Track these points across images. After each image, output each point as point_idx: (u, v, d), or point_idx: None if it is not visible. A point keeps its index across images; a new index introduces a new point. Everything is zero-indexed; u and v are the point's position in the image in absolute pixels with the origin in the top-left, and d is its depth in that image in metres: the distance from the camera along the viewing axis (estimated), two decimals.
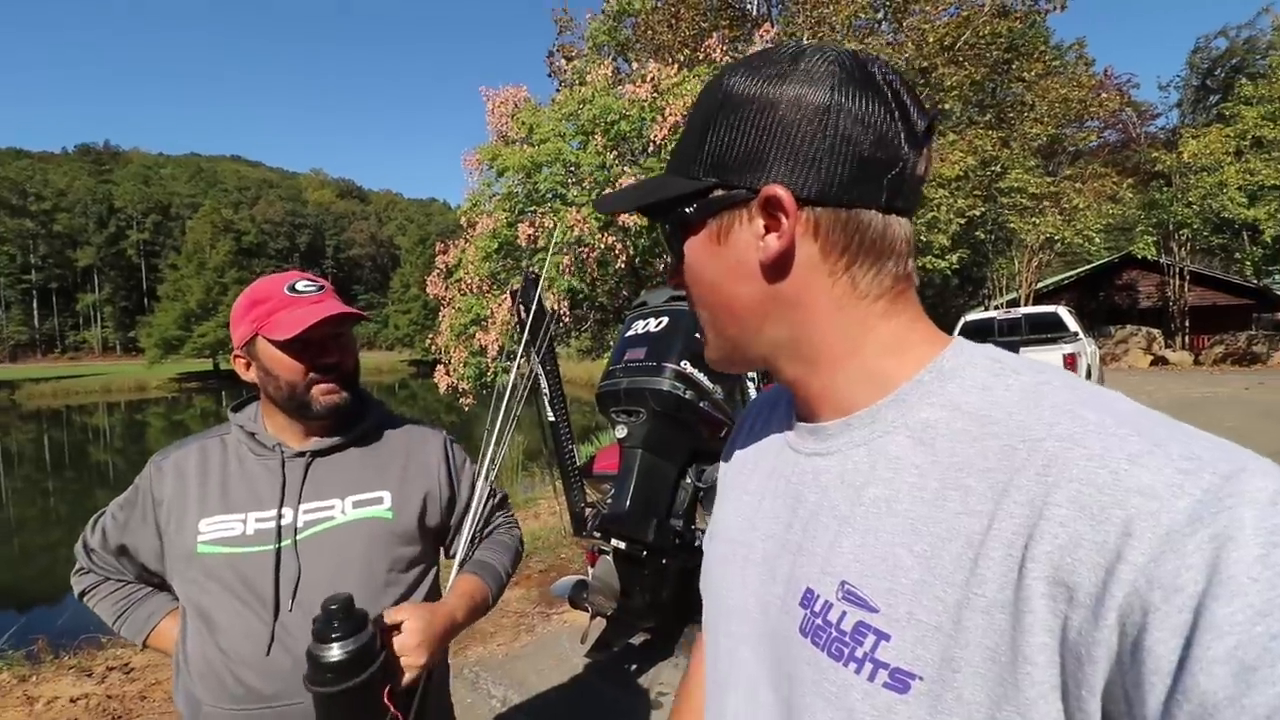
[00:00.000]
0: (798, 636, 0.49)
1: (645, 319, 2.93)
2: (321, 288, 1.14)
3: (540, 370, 2.80)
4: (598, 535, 2.73)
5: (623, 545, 2.65)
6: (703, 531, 3.00)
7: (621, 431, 2.79)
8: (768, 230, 0.48)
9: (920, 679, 0.41)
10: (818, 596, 0.48)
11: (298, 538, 1.09)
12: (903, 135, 0.47)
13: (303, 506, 1.11)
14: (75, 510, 12.17)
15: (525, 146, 8.72)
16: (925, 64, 12.94)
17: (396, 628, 0.99)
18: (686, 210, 0.52)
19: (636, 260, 8.60)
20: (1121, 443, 0.37)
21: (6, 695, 3.16)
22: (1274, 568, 0.31)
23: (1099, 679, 0.35)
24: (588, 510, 2.93)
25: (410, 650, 0.98)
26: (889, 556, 0.44)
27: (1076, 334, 9.99)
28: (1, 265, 78.81)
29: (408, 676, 0.97)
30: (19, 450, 22.20)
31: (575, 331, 10.47)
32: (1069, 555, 0.36)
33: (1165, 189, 21.14)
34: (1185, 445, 0.36)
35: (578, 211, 7.95)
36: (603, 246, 8.05)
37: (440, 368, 9.41)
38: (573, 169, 8.63)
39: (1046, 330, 10.13)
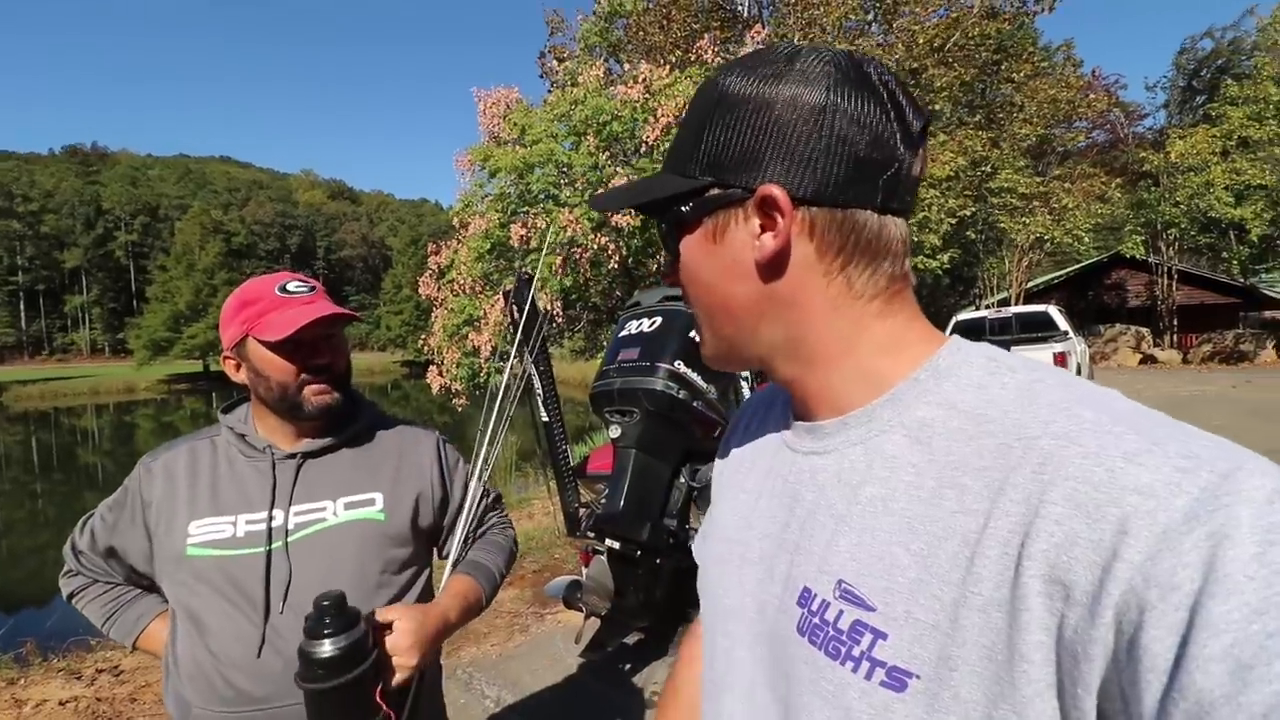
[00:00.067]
0: (795, 635, 0.49)
1: (639, 319, 2.93)
2: (313, 288, 1.13)
3: (534, 370, 2.80)
4: (592, 535, 2.73)
5: (617, 545, 2.65)
6: (696, 531, 3.00)
7: (615, 431, 2.78)
8: (763, 230, 0.48)
9: (917, 677, 0.41)
10: (815, 595, 0.48)
11: (289, 540, 1.08)
12: (898, 136, 0.47)
13: (294, 508, 1.10)
14: (63, 512, 12.05)
15: (517, 147, 8.71)
16: (915, 65, 13.02)
17: (388, 627, 0.99)
18: (682, 209, 0.52)
19: (629, 260, 8.60)
20: (1118, 441, 0.37)
21: None
22: (1270, 566, 0.31)
23: (1095, 677, 0.35)
24: (582, 510, 2.93)
25: (402, 650, 0.97)
26: (886, 555, 0.44)
27: (1066, 333, 10.07)
28: None
29: (399, 676, 0.96)
30: (6, 452, 21.96)
31: (569, 332, 10.47)
32: (1065, 553, 0.36)
33: (1153, 189, 21.32)
34: (1183, 444, 0.36)
35: (570, 212, 7.94)
36: (595, 247, 8.05)
37: (433, 368, 9.39)
38: (565, 170, 8.63)
39: (1037, 329, 10.21)
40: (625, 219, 7.78)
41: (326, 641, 0.85)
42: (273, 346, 1.07)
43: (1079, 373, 9.43)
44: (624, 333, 2.94)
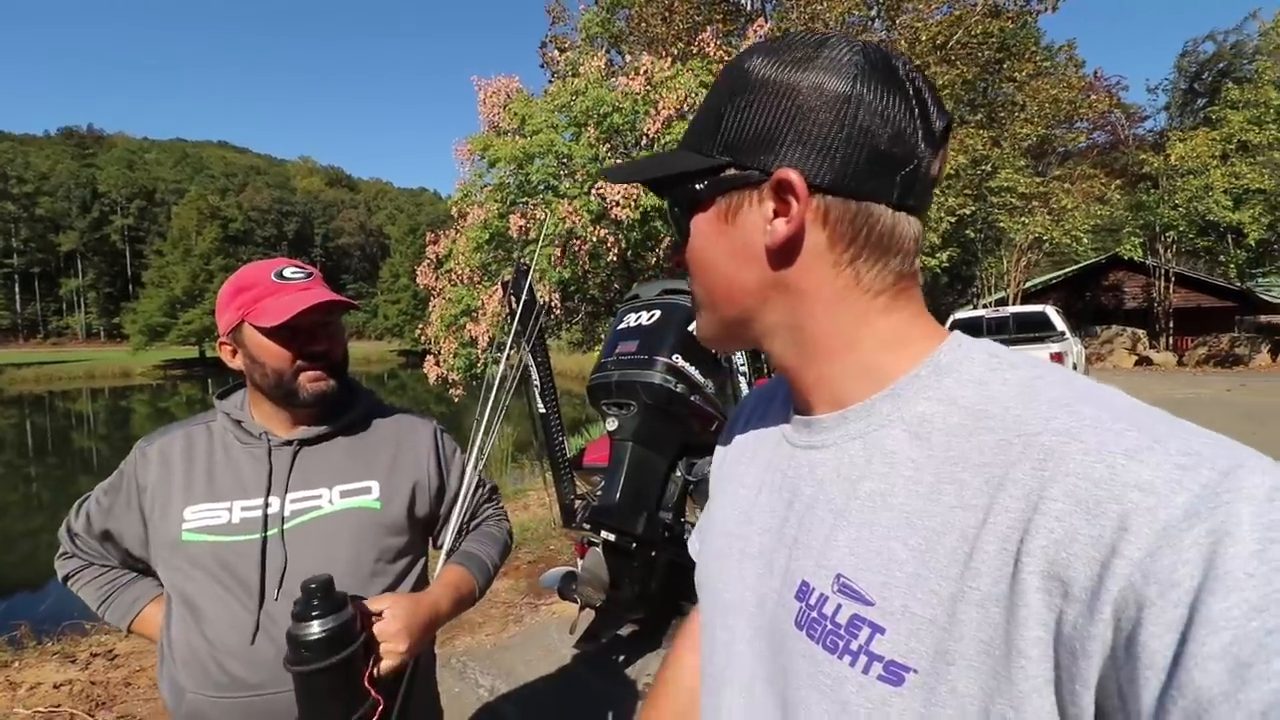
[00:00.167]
0: (793, 630, 0.49)
1: (637, 312, 2.93)
2: (310, 274, 1.13)
3: (531, 361, 2.79)
4: (587, 527, 2.73)
5: (612, 537, 2.65)
6: (692, 524, 3.01)
7: (612, 424, 2.78)
8: (776, 214, 0.48)
9: (914, 672, 0.41)
10: (813, 589, 0.48)
11: (284, 527, 1.08)
12: (920, 133, 0.46)
13: (289, 496, 1.10)
14: (58, 496, 12.02)
15: (517, 137, 8.66)
16: (918, 62, 12.96)
17: (378, 615, 0.99)
18: (696, 187, 0.52)
19: (628, 253, 8.58)
20: (1118, 438, 0.37)
21: None
22: (1270, 563, 0.31)
23: (1093, 673, 0.35)
24: (577, 502, 2.93)
25: (391, 636, 0.97)
26: (884, 550, 0.44)
27: (1063, 333, 10.12)
28: None
29: (389, 663, 0.96)
30: (1, 436, 21.88)
31: (566, 324, 10.44)
32: (1064, 549, 0.36)
33: (1152, 191, 21.35)
34: (1184, 441, 0.36)
35: (570, 203, 7.91)
36: (595, 239, 8.02)
37: (430, 358, 9.36)
38: (565, 161, 8.58)
39: (1034, 329, 10.25)
40: (625, 211, 7.75)
41: (314, 623, 0.85)
42: (268, 332, 1.06)
43: None
44: (622, 325, 2.93)
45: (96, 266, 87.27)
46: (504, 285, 2.77)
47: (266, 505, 1.08)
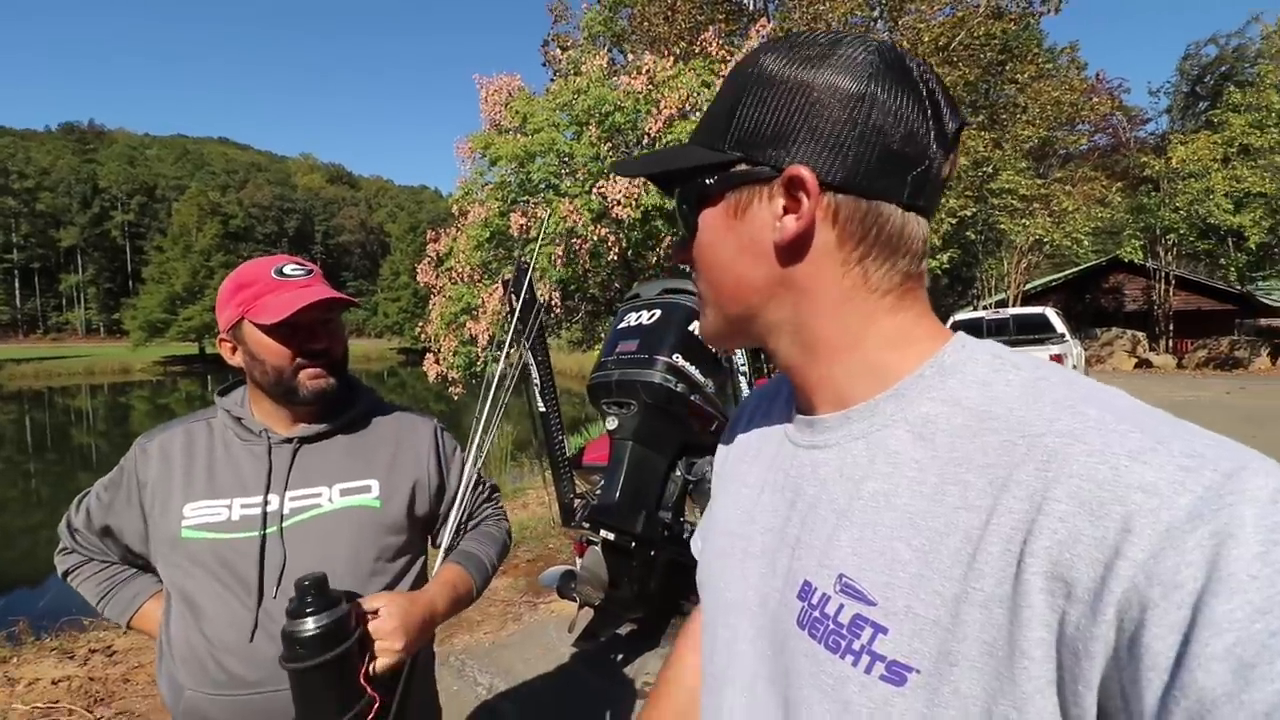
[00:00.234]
0: (795, 629, 0.49)
1: (638, 311, 2.93)
2: (310, 272, 1.12)
3: (531, 360, 2.79)
4: (586, 526, 2.73)
5: (611, 536, 2.65)
6: (691, 524, 3.01)
7: (612, 423, 2.78)
8: (786, 211, 0.48)
9: (917, 672, 0.41)
10: (815, 589, 0.48)
11: (283, 525, 1.08)
12: (933, 134, 0.46)
13: (289, 493, 1.10)
14: (57, 492, 12.02)
15: (519, 136, 8.65)
16: None
17: (374, 613, 0.98)
18: (706, 182, 0.51)
19: (629, 252, 8.58)
20: (1122, 439, 0.37)
21: None
22: (1273, 565, 0.31)
23: (1096, 674, 0.35)
24: (577, 501, 2.93)
25: (386, 634, 0.97)
26: (887, 550, 0.44)
27: (1063, 335, 10.12)
28: None
29: (385, 661, 0.96)
30: (0, 431, 21.87)
31: (566, 323, 10.44)
32: (1068, 550, 0.36)
33: (1153, 194, 21.34)
34: (1187, 442, 0.36)
35: (570, 202, 7.91)
36: (595, 238, 8.02)
37: (430, 356, 9.36)
38: (566, 160, 8.58)
39: (1034, 331, 10.26)
40: (625, 211, 7.75)
41: (308, 620, 0.85)
42: (268, 330, 1.06)
43: None
44: (623, 324, 2.93)
45: (97, 262, 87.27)
46: (504, 283, 2.76)
47: (266, 503, 1.08)
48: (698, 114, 8.02)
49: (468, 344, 8.68)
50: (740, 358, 2.98)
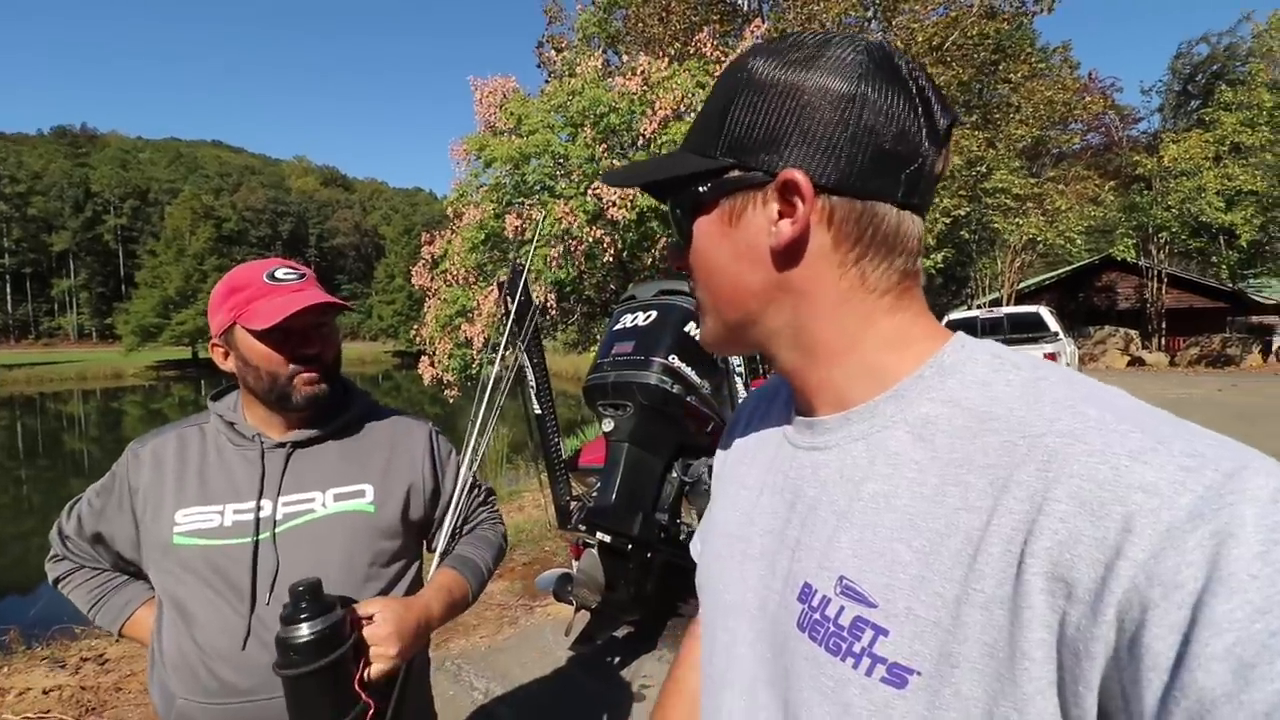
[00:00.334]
0: (795, 631, 0.48)
1: (633, 313, 2.93)
2: (302, 275, 1.11)
3: (527, 362, 2.79)
4: (583, 529, 2.72)
5: (608, 539, 2.65)
6: (688, 525, 3.01)
7: (608, 425, 2.78)
8: (782, 215, 0.47)
9: (918, 674, 0.40)
10: (816, 591, 0.48)
11: (276, 530, 1.07)
12: (924, 132, 0.46)
13: (282, 499, 1.09)
14: (49, 499, 11.94)
15: (514, 137, 8.64)
16: None
17: (369, 619, 0.98)
18: (700, 189, 0.51)
19: (624, 254, 8.57)
20: (1123, 439, 0.37)
21: None
22: (1274, 565, 0.31)
23: (1096, 675, 0.35)
24: (573, 503, 2.92)
25: (381, 640, 0.96)
26: (887, 552, 0.44)
27: (1057, 334, 10.19)
28: None
29: (380, 666, 0.95)
30: None
31: (562, 325, 10.44)
32: (1068, 551, 0.36)
33: (1145, 192, 21.47)
34: (1187, 442, 0.36)
35: (566, 204, 7.90)
36: (591, 240, 8.01)
37: (425, 359, 9.34)
38: (561, 161, 8.58)
39: (1028, 330, 10.32)
40: (621, 212, 7.75)
41: (303, 625, 0.85)
42: (260, 335, 1.05)
43: None
44: (618, 326, 2.93)
45: (89, 267, 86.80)
46: (499, 286, 2.76)
47: (259, 508, 1.07)
48: (693, 115, 8.00)
49: (463, 346, 8.66)
50: (736, 359, 2.98)
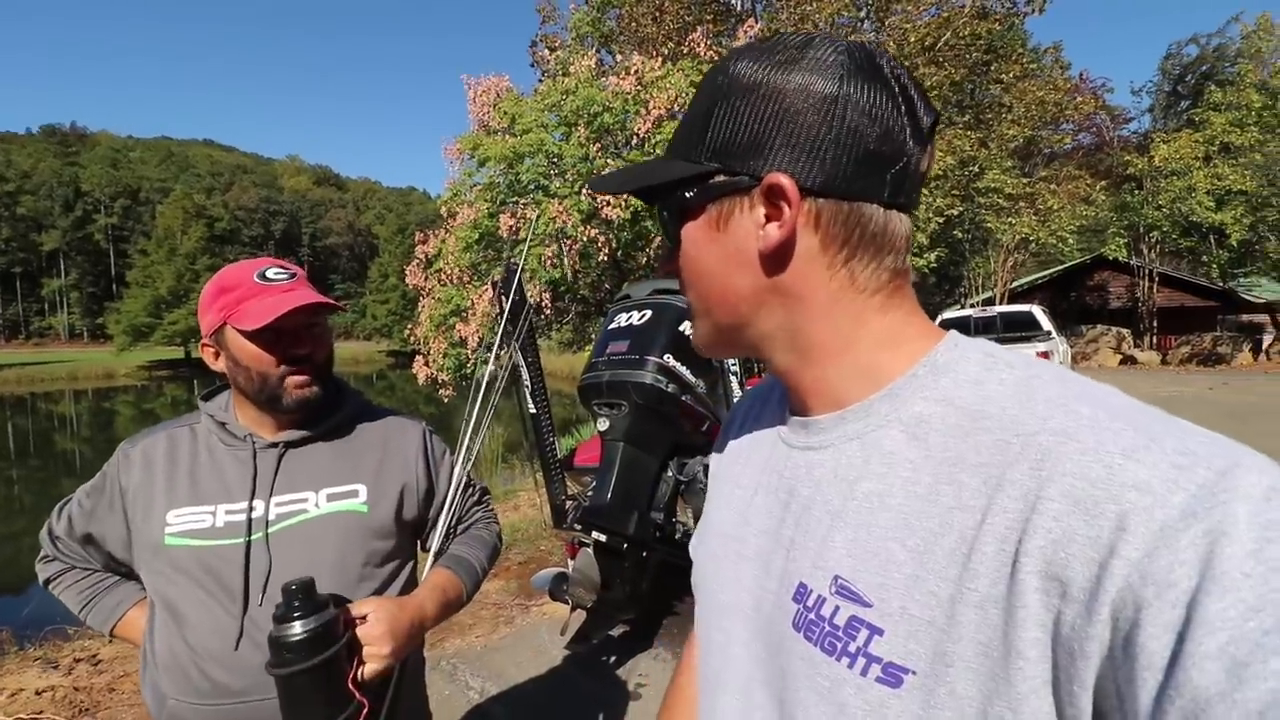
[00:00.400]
0: (791, 631, 0.48)
1: (628, 312, 2.93)
2: (293, 275, 1.10)
3: (521, 361, 2.78)
4: (578, 528, 2.72)
5: (603, 538, 2.65)
6: (683, 524, 3.02)
7: (603, 424, 2.78)
8: (768, 219, 0.47)
9: (913, 674, 0.40)
10: (811, 591, 0.47)
11: (269, 531, 1.06)
12: (908, 130, 0.46)
13: (274, 499, 1.08)
14: (40, 499, 11.84)
15: (507, 137, 8.62)
16: (906, 64, 13.00)
17: (362, 618, 0.97)
18: (686, 195, 0.51)
19: (619, 253, 8.57)
20: (1116, 437, 0.37)
21: None
22: (1267, 563, 0.31)
23: (1091, 674, 0.35)
24: (568, 503, 2.92)
25: (375, 640, 0.96)
26: (882, 551, 0.44)
27: (1050, 333, 10.25)
28: None
29: (373, 666, 0.95)
30: None
31: (557, 324, 10.43)
32: (1062, 550, 0.36)
33: (1136, 192, 21.59)
34: (1180, 440, 0.36)
35: (560, 203, 7.89)
36: (585, 239, 8.00)
37: (419, 359, 9.32)
38: (555, 160, 8.56)
39: (1021, 329, 10.38)
40: (615, 211, 7.75)
41: (295, 623, 0.84)
42: (251, 335, 1.04)
43: None
44: (613, 325, 2.93)
45: (80, 266, 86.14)
46: (494, 285, 2.76)
47: (251, 509, 1.06)
48: None
49: (457, 346, 8.64)
50: (731, 358, 2.99)
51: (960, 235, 17.15)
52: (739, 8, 14.54)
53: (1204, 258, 21.97)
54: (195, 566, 1.04)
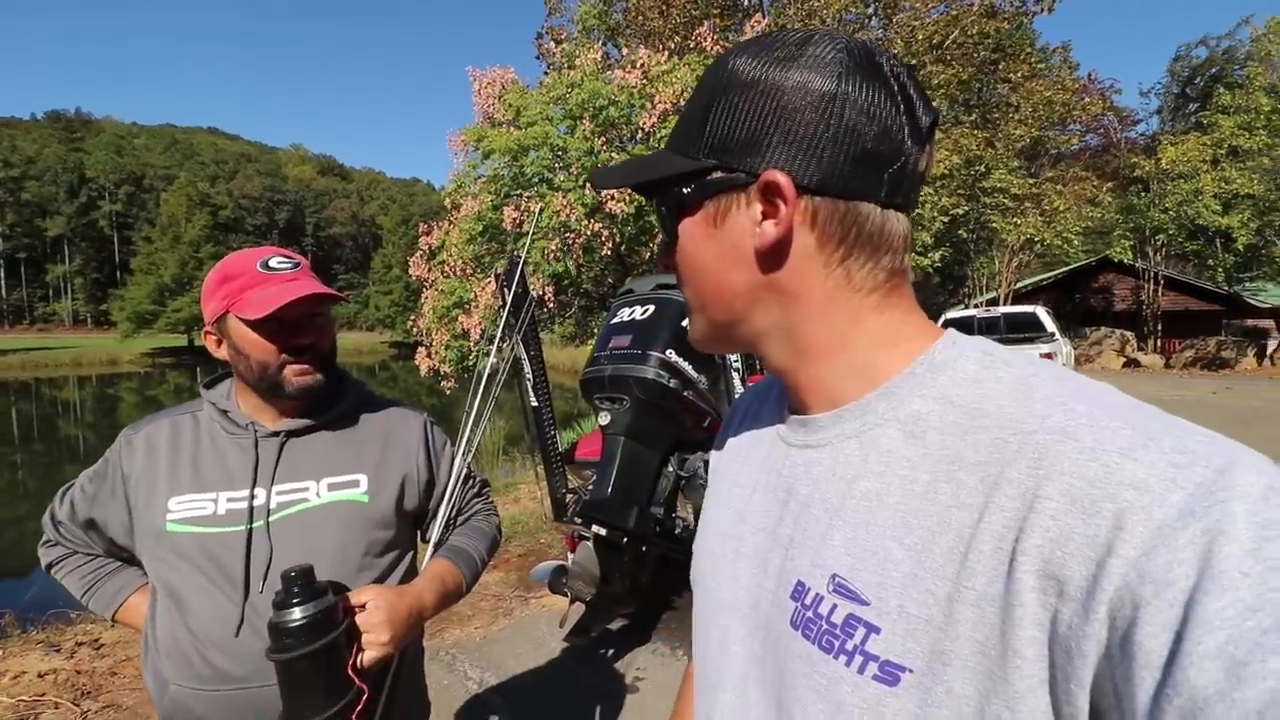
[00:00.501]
0: (788, 629, 0.48)
1: (631, 306, 2.93)
2: (296, 265, 1.10)
3: (523, 354, 2.78)
4: (578, 521, 2.73)
5: (603, 532, 2.65)
6: (683, 520, 3.02)
7: (605, 418, 2.78)
8: (765, 216, 0.47)
9: (910, 672, 0.40)
10: (808, 589, 0.48)
11: (270, 519, 1.06)
12: (907, 130, 0.46)
13: (276, 487, 1.08)
14: (44, 484, 11.90)
15: (512, 129, 8.61)
16: (914, 61, 12.99)
17: (361, 607, 0.98)
18: (683, 190, 0.51)
19: (622, 247, 8.56)
20: (1113, 436, 0.37)
21: None
22: (1265, 562, 0.31)
23: (1088, 673, 0.35)
24: (569, 496, 2.93)
25: (373, 627, 0.96)
26: (880, 549, 0.44)
27: (1053, 334, 10.23)
28: None
29: (372, 653, 0.95)
30: None
31: (559, 317, 10.44)
32: (1059, 548, 0.36)
33: (1143, 194, 21.49)
34: (1178, 439, 0.36)
35: (564, 196, 7.88)
36: (589, 233, 7.99)
37: (421, 350, 9.33)
38: (560, 154, 8.55)
39: (1025, 330, 10.37)
40: (619, 205, 7.74)
41: (295, 609, 0.85)
42: (253, 325, 1.04)
43: None
44: (616, 320, 2.93)
45: (84, 252, 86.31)
46: (497, 277, 2.76)
47: (253, 497, 1.06)
48: None
49: (460, 338, 8.65)
50: (733, 355, 2.99)
51: (965, 235, 17.10)
52: (746, 3, 14.47)
53: (1210, 261, 21.89)
54: (197, 553, 1.04)
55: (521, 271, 2.46)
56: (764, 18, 11.06)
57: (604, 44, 12.16)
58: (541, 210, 7.66)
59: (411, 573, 1.23)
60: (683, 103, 7.98)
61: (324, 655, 0.86)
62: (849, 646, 0.43)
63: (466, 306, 8.54)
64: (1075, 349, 15.81)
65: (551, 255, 8.13)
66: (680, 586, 3.66)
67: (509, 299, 2.42)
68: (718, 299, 0.53)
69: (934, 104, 0.48)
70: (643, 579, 2.88)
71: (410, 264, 9.97)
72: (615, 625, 3.51)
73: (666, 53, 8.94)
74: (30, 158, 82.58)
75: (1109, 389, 0.42)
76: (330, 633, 0.87)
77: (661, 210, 0.55)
